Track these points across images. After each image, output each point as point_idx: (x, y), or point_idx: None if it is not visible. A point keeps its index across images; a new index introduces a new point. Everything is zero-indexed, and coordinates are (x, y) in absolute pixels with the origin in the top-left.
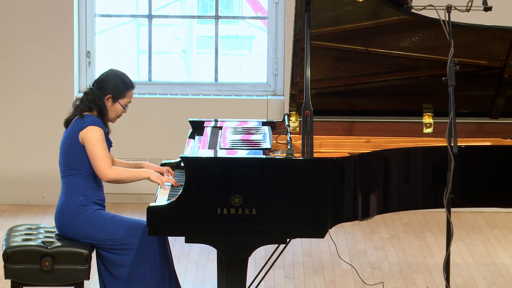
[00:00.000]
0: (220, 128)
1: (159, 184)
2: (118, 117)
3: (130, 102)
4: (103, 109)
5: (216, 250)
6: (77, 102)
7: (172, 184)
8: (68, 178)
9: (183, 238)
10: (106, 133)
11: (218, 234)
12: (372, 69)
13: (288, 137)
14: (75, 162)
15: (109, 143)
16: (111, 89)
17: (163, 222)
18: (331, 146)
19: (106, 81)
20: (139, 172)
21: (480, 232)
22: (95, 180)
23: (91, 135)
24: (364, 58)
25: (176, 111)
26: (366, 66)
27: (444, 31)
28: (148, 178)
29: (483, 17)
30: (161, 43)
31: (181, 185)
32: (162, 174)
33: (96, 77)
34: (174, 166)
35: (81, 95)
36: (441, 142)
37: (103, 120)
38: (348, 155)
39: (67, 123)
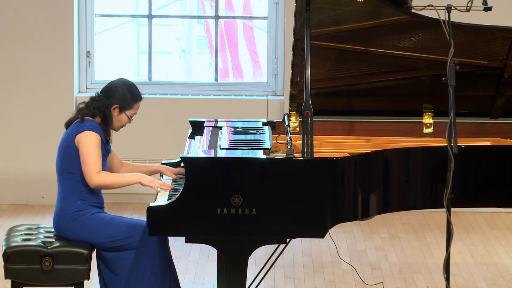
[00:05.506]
0: (220, 128)
1: (152, 187)
2: (122, 127)
3: (136, 113)
4: (108, 118)
5: (216, 250)
6: (82, 105)
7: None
8: (64, 181)
9: (183, 238)
10: (104, 140)
11: (218, 234)
12: (372, 69)
13: (288, 137)
14: (70, 165)
15: (106, 151)
16: (118, 99)
17: (163, 222)
18: (331, 146)
19: (115, 90)
20: (128, 177)
21: (480, 232)
22: None
23: (86, 140)
24: (364, 58)
25: (176, 111)
26: (366, 66)
27: (444, 31)
28: (140, 183)
29: (483, 17)
30: (161, 43)
31: (178, 186)
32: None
33: (96, 77)
34: (174, 166)
35: (81, 95)
36: (441, 142)
37: (105, 128)
38: (348, 155)
39: (67, 124)
